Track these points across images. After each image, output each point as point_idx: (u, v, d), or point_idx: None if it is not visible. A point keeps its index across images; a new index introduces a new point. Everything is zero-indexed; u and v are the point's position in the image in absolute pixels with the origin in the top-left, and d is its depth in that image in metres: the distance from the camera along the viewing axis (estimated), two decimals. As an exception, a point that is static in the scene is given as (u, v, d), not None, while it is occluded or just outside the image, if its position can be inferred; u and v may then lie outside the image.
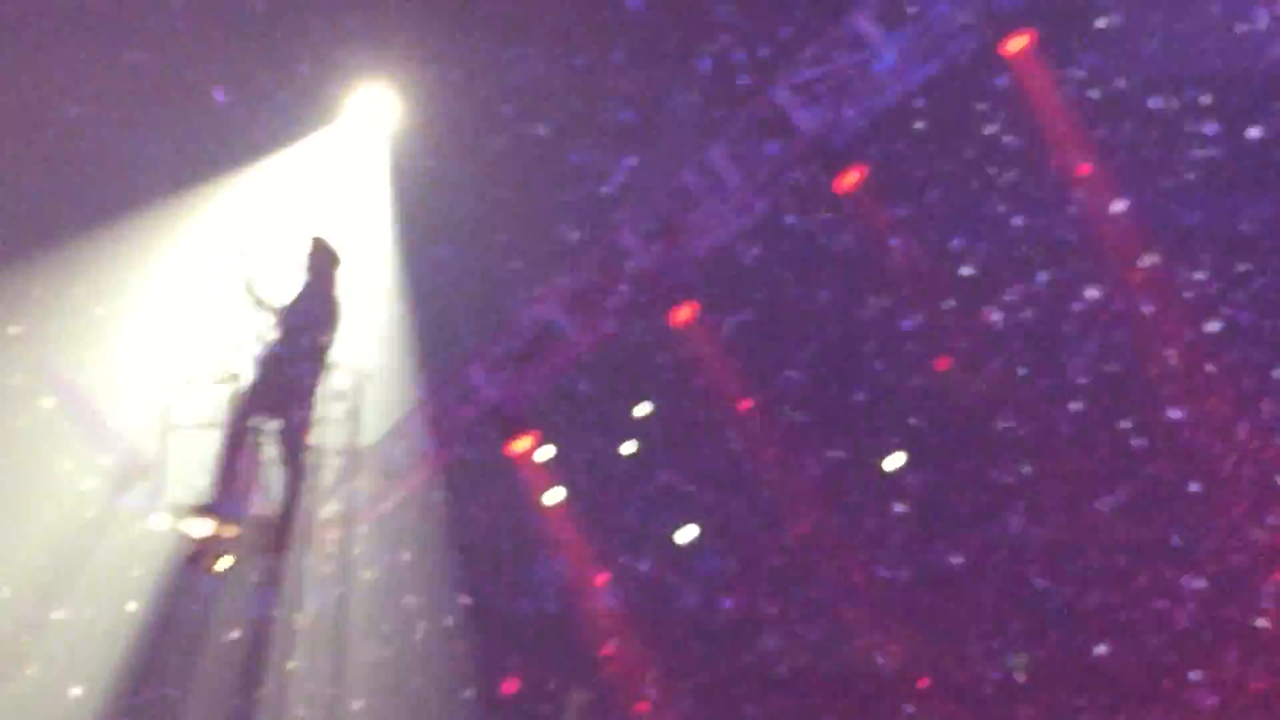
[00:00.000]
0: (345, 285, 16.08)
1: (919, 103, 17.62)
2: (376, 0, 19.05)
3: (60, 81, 18.33)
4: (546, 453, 18.62)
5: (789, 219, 18.61)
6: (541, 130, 19.36)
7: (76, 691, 18.62)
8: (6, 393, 18.17)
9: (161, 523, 16.33)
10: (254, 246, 15.76)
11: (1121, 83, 17.51)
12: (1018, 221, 18.57)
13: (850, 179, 17.29)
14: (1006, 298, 18.89)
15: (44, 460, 18.11)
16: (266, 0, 18.80)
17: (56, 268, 18.32)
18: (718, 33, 18.78)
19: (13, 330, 18.28)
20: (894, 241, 18.34)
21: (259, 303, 15.69)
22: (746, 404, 19.23)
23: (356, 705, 18.45)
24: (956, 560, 18.98)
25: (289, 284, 15.86)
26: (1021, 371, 18.95)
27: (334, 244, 16.05)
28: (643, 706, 19.47)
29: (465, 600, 19.67)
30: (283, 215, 17.33)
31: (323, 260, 15.95)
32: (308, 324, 15.75)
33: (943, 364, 19.44)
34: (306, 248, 15.94)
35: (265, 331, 15.75)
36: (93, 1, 18.69)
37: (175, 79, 18.69)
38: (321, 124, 19.24)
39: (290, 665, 17.05)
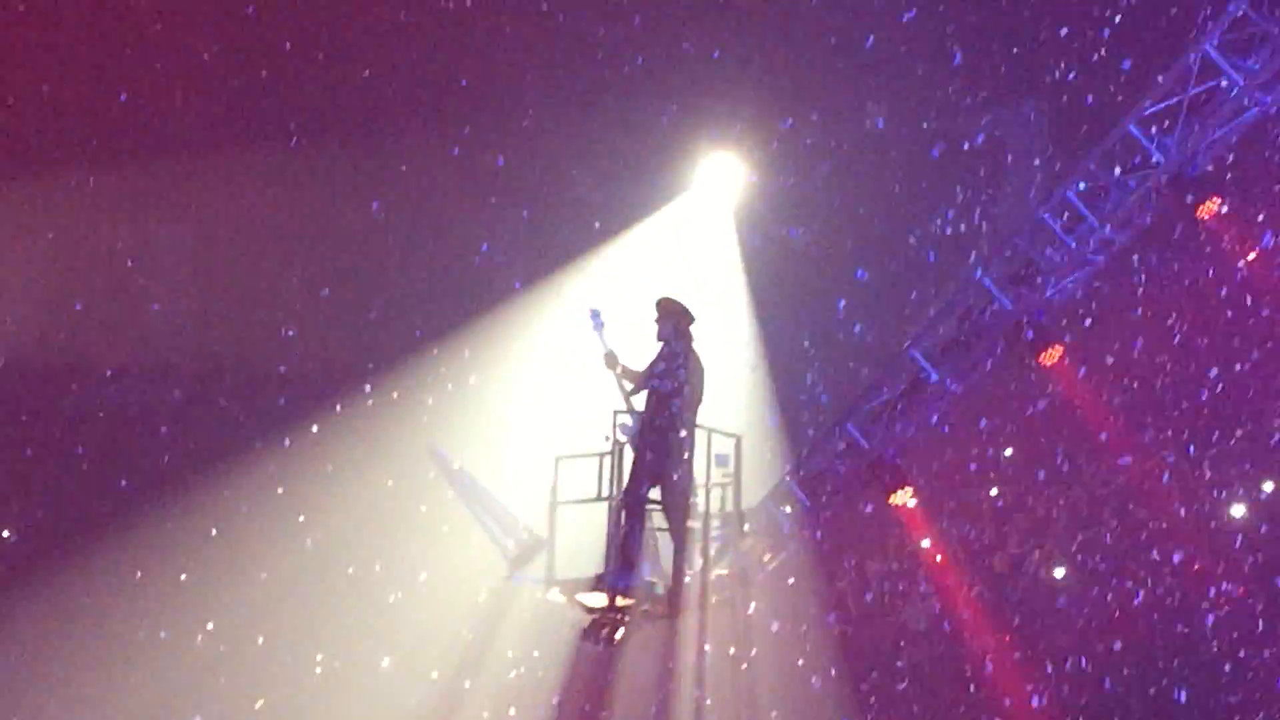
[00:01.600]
0: (703, 341, 16.46)
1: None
2: (717, 71, 19.54)
3: (428, 182, 19.14)
4: (915, 498, 18.64)
5: (1150, 252, 18.55)
6: (887, 187, 19.64)
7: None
8: (406, 480, 18.92)
9: (557, 596, 16.79)
10: (605, 316, 16.16)
11: None
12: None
13: (1210, 207, 17.15)
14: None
15: (443, 543, 18.77)
16: (612, 78, 19.42)
17: (436, 357, 19.08)
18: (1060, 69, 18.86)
19: (472, 380, 19.05)
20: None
21: (623, 373, 16.07)
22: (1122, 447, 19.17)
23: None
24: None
25: (648, 351, 16.28)
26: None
27: (682, 301, 16.42)
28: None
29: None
30: (641, 287, 17.70)
31: (676, 320, 16.24)
32: (675, 388, 16.09)
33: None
34: (655, 312, 16.32)
35: (635, 400, 16.19)
36: (442, 100, 19.51)
37: (531, 165, 19.40)
38: (671, 196, 19.75)
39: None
